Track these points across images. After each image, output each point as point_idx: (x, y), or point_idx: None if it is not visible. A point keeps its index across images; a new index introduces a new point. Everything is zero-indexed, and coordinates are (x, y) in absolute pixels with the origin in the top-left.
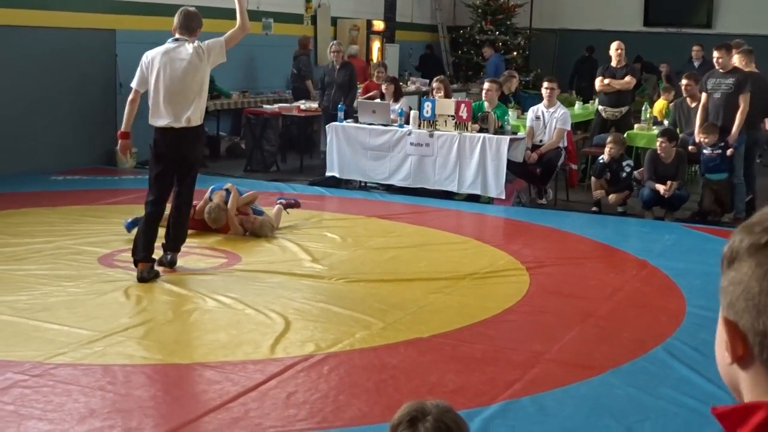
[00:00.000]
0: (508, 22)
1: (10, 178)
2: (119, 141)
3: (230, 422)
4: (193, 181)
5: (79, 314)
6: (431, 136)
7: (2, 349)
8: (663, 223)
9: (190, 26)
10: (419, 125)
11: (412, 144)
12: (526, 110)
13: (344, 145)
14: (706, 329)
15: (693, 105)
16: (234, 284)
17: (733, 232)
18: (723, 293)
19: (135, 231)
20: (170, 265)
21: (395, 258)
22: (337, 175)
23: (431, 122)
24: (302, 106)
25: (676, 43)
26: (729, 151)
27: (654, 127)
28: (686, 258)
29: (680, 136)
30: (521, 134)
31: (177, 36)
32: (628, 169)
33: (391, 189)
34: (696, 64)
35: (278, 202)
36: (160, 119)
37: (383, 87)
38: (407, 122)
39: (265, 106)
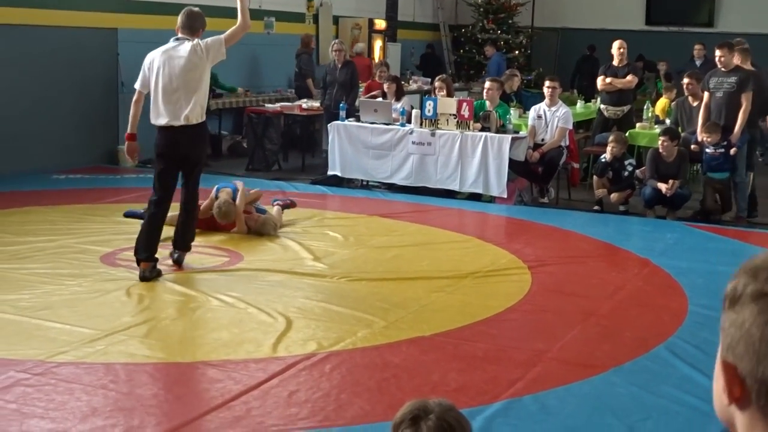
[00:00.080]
0: (510, 21)
1: (12, 177)
2: (126, 143)
3: (232, 421)
4: (197, 180)
5: (81, 313)
6: (433, 135)
7: (4, 348)
8: (665, 222)
9: (193, 26)
10: (421, 124)
11: (413, 143)
12: (528, 109)
13: (346, 144)
14: (708, 328)
15: (695, 104)
16: (236, 283)
17: (737, 271)
18: (723, 334)
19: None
20: (177, 262)
21: (397, 257)
22: (339, 174)
23: (433, 121)
24: (304, 105)
25: (678, 42)
26: (732, 151)
27: (656, 126)
28: (688, 257)
29: (682, 135)
30: (523, 133)
31: (179, 35)
32: (630, 168)
33: (392, 188)
34: (698, 63)
35: (274, 204)
36: (160, 118)
37: (385, 86)
38: (409, 121)
39: (267, 105)
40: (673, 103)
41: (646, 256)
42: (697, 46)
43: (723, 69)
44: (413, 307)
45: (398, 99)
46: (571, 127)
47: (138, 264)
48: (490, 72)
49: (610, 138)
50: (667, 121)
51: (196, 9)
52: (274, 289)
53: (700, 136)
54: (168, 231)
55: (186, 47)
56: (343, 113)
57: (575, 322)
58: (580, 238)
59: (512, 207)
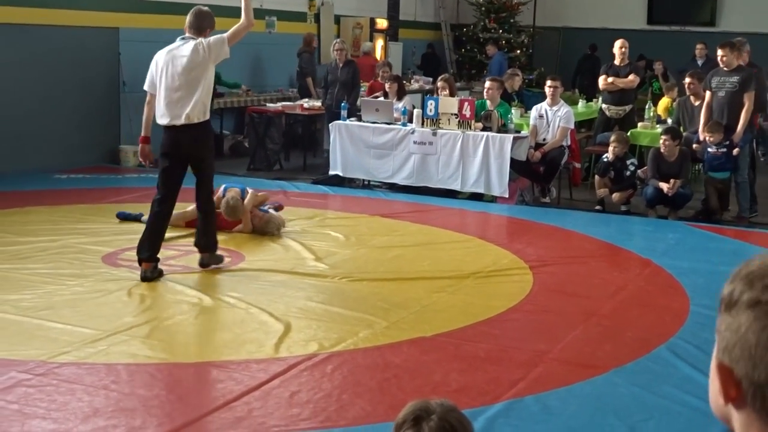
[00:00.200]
0: (512, 20)
1: (14, 176)
2: (139, 145)
3: (234, 421)
4: (206, 180)
5: (82, 313)
6: (434, 134)
7: (6, 348)
8: (666, 222)
9: (200, 26)
10: (422, 124)
11: (415, 142)
12: (530, 108)
13: (347, 144)
14: (709, 328)
15: (696, 103)
16: (237, 283)
17: (733, 274)
18: (719, 336)
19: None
20: (202, 265)
21: (398, 257)
22: (341, 174)
23: (434, 121)
24: (305, 105)
25: (680, 42)
26: (735, 151)
27: (657, 126)
28: (690, 257)
29: (684, 134)
30: (524, 133)
31: (185, 35)
32: (632, 168)
33: (394, 187)
34: (699, 62)
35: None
36: (163, 117)
37: (386, 86)
38: (410, 121)
39: (268, 104)
40: (674, 103)
41: (647, 256)
42: (698, 46)
43: (725, 68)
44: (414, 307)
45: (400, 98)
46: (572, 126)
47: (139, 264)
48: (492, 71)
49: (612, 138)
50: (669, 121)
51: (205, 8)
52: (276, 290)
53: (702, 135)
54: (170, 232)
55: (189, 46)
56: (344, 113)
57: (577, 323)
58: (581, 238)
59: (514, 207)
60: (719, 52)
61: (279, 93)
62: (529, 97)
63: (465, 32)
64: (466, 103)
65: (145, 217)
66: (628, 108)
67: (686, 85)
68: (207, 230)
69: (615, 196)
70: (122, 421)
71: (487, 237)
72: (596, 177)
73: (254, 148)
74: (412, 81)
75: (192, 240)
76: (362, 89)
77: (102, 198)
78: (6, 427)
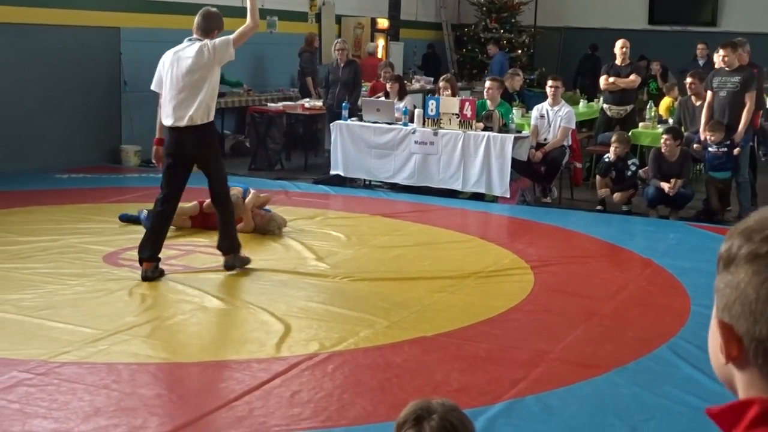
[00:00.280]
0: (513, 20)
1: (15, 176)
2: (153, 147)
3: (235, 421)
4: (216, 181)
5: (83, 313)
6: (436, 134)
7: (7, 348)
8: (668, 222)
9: (208, 27)
10: (424, 124)
11: (416, 142)
12: (531, 108)
13: (349, 144)
14: None
15: (698, 103)
16: (238, 283)
17: (729, 232)
18: (718, 295)
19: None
20: (226, 267)
21: (399, 256)
22: (342, 174)
23: (436, 121)
24: (307, 105)
25: (681, 42)
26: (736, 150)
27: (659, 126)
28: (691, 257)
29: (685, 134)
30: (526, 133)
31: (193, 36)
32: (633, 168)
33: (395, 187)
34: (701, 62)
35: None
36: (167, 118)
37: (388, 86)
38: (411, 120)
39: (269, 104)
40: (675, 103)
41: (648, 256)
42: (700, 46)
43: (726, 68)
44: (415, 307)
45: (401, 98)
46: (573, 126)
47: (140, 264)
48: (493, 71)
49: (613, 138)
50: (670, 121)
51: (213, 10)
52: (277, 289)
53: (703, 135)
54: (172, 231)
55: (194, 48)
56: (345, 113)
57: (578, 323)
58: (582, 238)
59: (515, 207)
60: (720, 52)
61: (280, 93)
62: (530, 97)
63: (466, 32)
64: (467, 103)
65: (145, 213)
66: (629, 108)
67: (687, 85)
68: (226, 232)
69: (616, 196)
70: (123, 421)
71: (488, 237)
72: (597, 177)
73: (255, 148)
74: (413, 81)
75: (193, 240)
76: (364, 89)
77: (103, 198)
78: (7, 427)
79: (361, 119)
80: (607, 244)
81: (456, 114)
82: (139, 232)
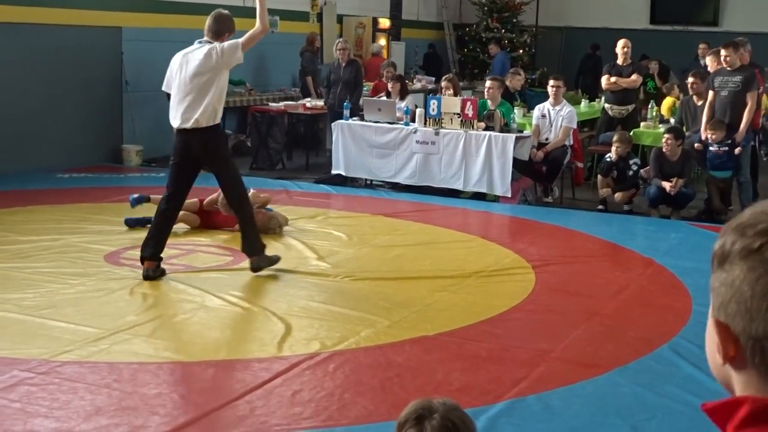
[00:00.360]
0: (514, 20)
1: (17, 175)
2: None
3: (236, 420)
4: (228, 184)
5: (85, 312)
6: (437, 134)
7: (8, 347)
8: (669, 222)
9: (219, 30)
10: (425, 123)
11: (417, 142)
12: (532, 108)
13: (350, 143)
14: None
15: (699, 103)
16: (239, 282)
17: (723, 228)
18: (714, 294)
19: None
20: (254, 270)
21: (401, 256)
22: (343, 173)
23: (437, 120)
24: (308, 104)
25: (683, 41)
26: (737, 150)
27: (660, 125)
28: (692, 256)
29: (687, 134)
30: (527, 132)
31: (204, 38)
32: (634, 168)
33: (396, 187)
34: (702, 62)
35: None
36: (174, 120)
37: (389, 85)
38: (413, 120)
39: (271, 104)
40: (677, 103)
41: (650, 255)
42: (701, 46)
43: (728, 68)
44: (417, 306)
45: (402, 98)
46: (575, 126)
47: (142, 262)
48: (494, 71)
49: (615, 138)
50: (672, 121)
51: (225, 12)
52: (278, 289)
53: (704, 134)
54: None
55: (203, 51)
56: (347, 112)
57: (579, 322)
58: (584, 237)
59: (516, 206)
60: (722, 52)
61: (282, 92)
62: (531, 96)
63: (468, 32)
64: (468, 103)
65: (135, 196)
66: (630, 108)
67: (689, 85)
68: (247, 234)
69: (617, 195)
70: (124, 420)
71: (490, 236)
72: (599, 177)
73: (257, 148)
74: (414, 80)
75: (194, 239)
76: (366, 89)
77: (104, 197)
78: (8, 426)
79: (362, 119)
80: (608, 243)
81: (457, 114)
82: (139, 232)
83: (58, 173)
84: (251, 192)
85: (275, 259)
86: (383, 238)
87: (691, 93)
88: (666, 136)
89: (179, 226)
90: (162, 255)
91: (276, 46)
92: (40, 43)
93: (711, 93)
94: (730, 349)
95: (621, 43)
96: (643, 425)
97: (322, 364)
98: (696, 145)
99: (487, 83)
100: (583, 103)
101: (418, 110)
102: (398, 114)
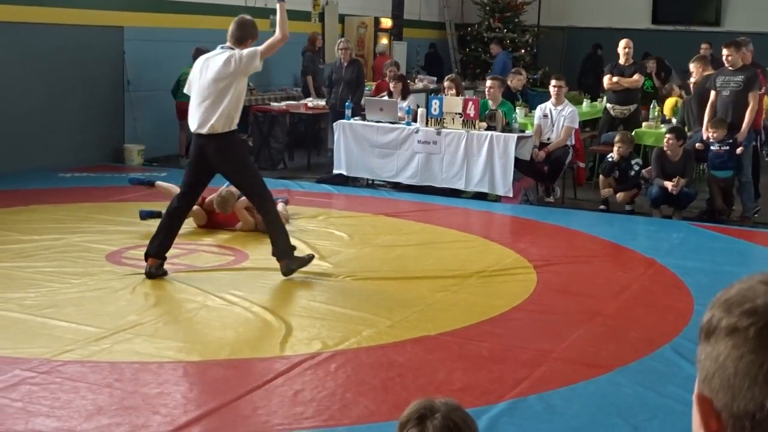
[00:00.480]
0: (516, 20)
1: (18, 175)
2: None
3: (237, 419)
4: (248, 190)
5: (86, 311)
6: (439, 133)
7: (10, 346)
8: (671, 222)
9: (242, 36)
10: (427, 123)
11: (419, 142)
12: (534, 108)
13: (352, 143)
14: None
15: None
16: (241, 282)
17: (712, 302)
18: (699, 366)
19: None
20: (285, 274)
21: (402, 256)
22: (345, 173)
23: (439, 120)
24: (310, 104)
25: (685, 41)
26: (739, 150)
27: (662, 125)
28: (694, 256)
29: (688, 134)
30: (529, 132)
31: (226, 44)
32: (636, 168)
33: (398, 187)
34: None
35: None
36: (191, 123)
37: (391, 85)
38: (415, 120)
39: (272, 103)
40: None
41: (651, 255)
42: (703, 45)
43: (730, 68)
44: (418, 306)
45: (404, 98)
46: (577, 126)
47: (145, 259)
48: (496, 71)
49: (617, 138)
50: (674, 120)
51: (248, 18)
52: (279, 288)
53: (706, 133)
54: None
55: (223, 57)
56: (348, 112)
57: (580, 322)
58: (585, 237)
59: (518, 206)
60: (724, 52)
61: (283, 92)
62: (533, 96)
63: (469, 31)
64: (470, 103)
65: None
66: (632, 107)
67: (691, 85)
68: (274, 238)
69: (619, 195)
70: (126, 420)
71: (491, 236)
72: (600, 177)
73: (258, 147)
74: (416, 80)
75: (196, 239)
76: (368, 89)
77: (106, 196)
78: (10, 425)
79: (364, 119)
80: (610, 243)
81: (459, 113)
82: (140, 232)
83: (59, 173)
84: None
85: (308, 259)
86: (385, 238)
87: (693, 93)
88: (667, 136)
89: (185, 223)
90: (167, 255)
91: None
92: (42, 42)
93: (713, 93)
94: (713, 424)
95: (622, 43)
96: (644, 425)
97: (323, 364)
98: (697, 145)
99: (488, 83)
100: (585, 103)
101: (419, 110)
102: (400, 114)
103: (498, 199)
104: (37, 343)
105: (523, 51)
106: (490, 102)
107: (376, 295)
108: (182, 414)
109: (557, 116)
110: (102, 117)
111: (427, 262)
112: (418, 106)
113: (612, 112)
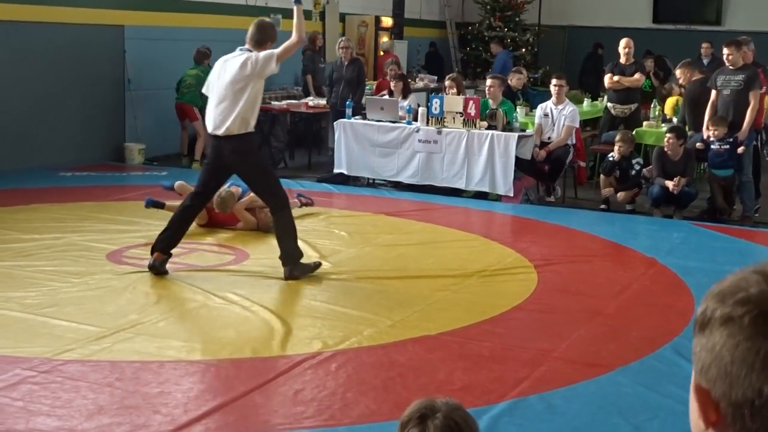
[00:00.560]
0: (517, 19)
1: (19, 174)
2: None
3: (238, 419)
4: (262, 193)
5: (87, 310)
6: (439, 133)
7: (11, 345)
8: (671, 221)
9: (261, 39)
10: (427, 122)
11: (420, 141)
12: (535, 107)
13: (352, 142)
14: None
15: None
16: (242, 281)
17: (706, 294)
18: (695, 358)
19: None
20: (286, 278)
21: (403, 255)
22: (345, 172)
23: (439, 119)
24: (310, 103)
25: (686, 41)
26: (740, 149)
27: (663, 125)
28: (694, 256)
29: (688, 134)
30: (529, 131)
31: (245, 46)
32: (637, 167)
33: (399, 186)
34: (705, 61)
35: (297, 198)
36: (209, 124)
37: (392, 84)
38: (415, 119)
39: (273, 102)
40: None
41: (652, 255)
42: (704, 45)
43: (731, 67)
44: (419, 305)
45: (405, 97)
46: (577, 125)
47: (151, 252)
48: (496, 70)
49: (618, 137)
50: (675, 120)
51: (268, 21)
52: (280, 288)
53: (706, 132)
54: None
55: (240, 59)
56: (349, 111)
57: (581, 322)
58: (586, 237)
59: (518, 205)
60: (725, 51)
61: (284, 91)
62: (534, 95)
63: (470, 30)
64: (471, 102)
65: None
66: (633, 107)
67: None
68: (281, 242)
69: (620, 195)
70: (126, 419)
71: (492, 236)
72: (601, 176)
73: (259, 147)
74: (417, 79)
75: (196, 238)
76: (370, 87)
77: (107, 195)
78: (11, 424)
79: (364, 117)
80: (610, 243)
81: (460, 112)
82: (141, 232)
83: (60, 171)
84: (250, 194)
85: (314, 266)
86: (385, 237)
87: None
88: (668, 135)
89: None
90: (172, 252)
91: (278, 45)
92: (42, 41)
93: (713, 92)
94: (711, 414)
95: (623, 42)
96: (645, 425)
97: (324, 364)
98: (698, 144)
99: (488, 82)
100: (586, 102)
101: (420, 109)
102: (401, 113)
103: (499, 198)
104: (37, 342)
105: (523, 50)
106: (490, 101)
107: (376, 294)
108: (183, 413)
109: (558, 115)
110: (103, 116)
111: (427, 261)
112: (418, 105)
113: (613, 112)
